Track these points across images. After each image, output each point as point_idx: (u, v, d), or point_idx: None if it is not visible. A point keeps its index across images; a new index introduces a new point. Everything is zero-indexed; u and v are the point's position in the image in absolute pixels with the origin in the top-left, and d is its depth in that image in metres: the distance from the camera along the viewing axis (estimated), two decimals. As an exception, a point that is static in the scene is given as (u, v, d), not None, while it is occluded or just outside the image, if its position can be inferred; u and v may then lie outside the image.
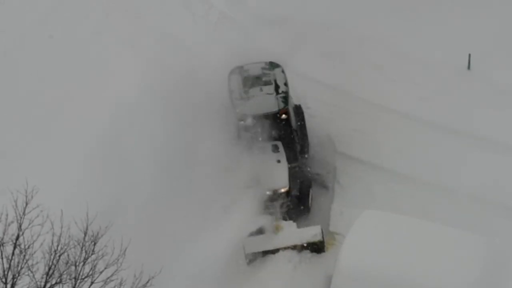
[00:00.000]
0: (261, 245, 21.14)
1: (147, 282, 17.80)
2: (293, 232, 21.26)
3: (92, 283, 17.19)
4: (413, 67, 24.95)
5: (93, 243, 17.37)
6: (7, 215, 17.24)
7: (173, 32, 27.41)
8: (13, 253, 16.85)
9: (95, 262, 17.32)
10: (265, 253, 21.10)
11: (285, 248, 21.05)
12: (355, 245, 18.88)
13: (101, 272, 17.38)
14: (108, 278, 17.41)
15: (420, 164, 22.39)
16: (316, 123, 23.97)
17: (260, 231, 21.42)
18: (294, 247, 21.06)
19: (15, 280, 16.73)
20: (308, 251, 21.08)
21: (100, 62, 25.98)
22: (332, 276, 19.02)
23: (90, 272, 17.21)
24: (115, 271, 17.52)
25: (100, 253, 17.46)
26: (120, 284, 17.38)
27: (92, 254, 17.28)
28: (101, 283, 17.33)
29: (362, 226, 19.23)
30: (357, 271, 18.50)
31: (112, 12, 28.26)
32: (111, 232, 18.35)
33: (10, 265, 16.76)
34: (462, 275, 17.91)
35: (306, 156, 22.98)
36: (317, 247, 21.08)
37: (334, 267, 19.17)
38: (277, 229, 21.20)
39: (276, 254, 21.04)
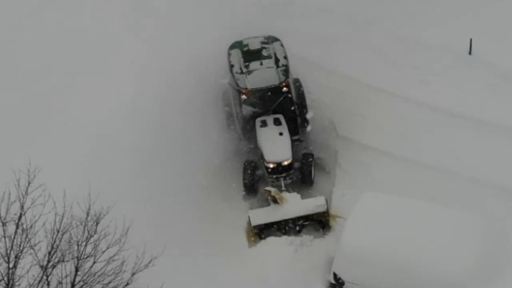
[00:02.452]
0: (266, 217, 21.22)
1: (149, 262, 17.91)
2: (298, 203, 21.36)
3: (94, 262, 17.25)
4: (414, 51, 24.92)
5: (95, 223, 17.43)
6: (9, 194, 17.27)
7: (174, 17, 27.43)
8: (15, 232, 16.89)
9: (98, 242, 17.39)
10: (271, 225, 21.21)
11: (291, 220, 21.20)
12: (356, 227, 19.00)
13: (103, 252, 17.46)
14: (110, 257, 17.49)
15: (420, 147, 22.42)
16: (317, 107, 23.97)
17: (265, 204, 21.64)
18: (299, 219, 21.22)
19: (17, 259, 16.75)
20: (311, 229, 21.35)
21: (99, 52, 26.01)
22: (334, 258, 19.10)
23: (92, 252, 17.26)
24: (117, 251, 17.59)
25: (102, 233, 17.53)
26: (122, 263, 17.42)
27: (94, 233, 17.32)
28: (104, 263, 17.37)
29: (363, 208, 19.35)
30: (358, 252, 18.62)
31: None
32: (113, 212, 18.41)
33: (12, 244, 16.80)
34: (461, 254, 18.01)
35: (306, 128, 23.16)
36: (321, 219, 21.25)
37: (335, 249, 19.26)
38: (281, 201, 21.22)
39: (279, 238, 21.11)
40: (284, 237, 21.05)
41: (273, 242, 20.89)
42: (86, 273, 17.17)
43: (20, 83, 24.80)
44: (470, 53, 24.61)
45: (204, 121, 23.96)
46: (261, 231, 21.23)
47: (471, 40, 24.40)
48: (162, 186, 21.92)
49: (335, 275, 19.06)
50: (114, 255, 17.55)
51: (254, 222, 21.14)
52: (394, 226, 18.71)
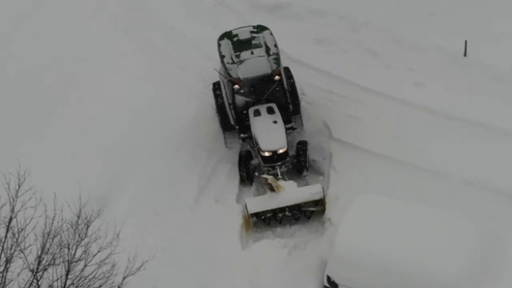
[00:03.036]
0: (263, 205, 21.28)
1: (141, 266, 17.81)
2: (295, 191, 21.40)
3: (85, 266, 17.16)
4: (408, 53, 24.90)
5: (86, 226, 17.33)
6: (-1, 197, 17.20)
7: (169, 19, 27.42)
8: (5, 236, 16.81)
9: (88, 245, 17.30)
10: (267, 213, 21.33)
11: (288, 208, 21.27)
12: (350, 230, 18.87)
13: (94, 255, 17.36)
14: (101, 261, 17.40)
15: (415, 149, 22.33)
16: (312, 110, 23.93)
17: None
18: (296, 207, 21.30)
19: (8, 262, 16.67)
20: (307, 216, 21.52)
21: (97, 52, 26.05)
22: (327, 261, 19.01)
23: (83, 255, 17.17)
24: (108, 255, 17.51)
25: (93, 236, 17.43)
26: (113, 267, 17.33)
27: (85, 237, 17.23)
28: (95, 266, 17.28)
29: (357, 210, 19.24)
30: (352, 255, 18.49)
31: (107, 1, 28.29)
32: (104, 215, 18.38)
33: (2, 247, 16.71)
34: (456, 257, 17.92)
35: (299, 116, 23.31)
36: (318, 207, 21.35)
37: (329, 251, 19.18)
38: (278, 189, 21.25)
39: (272, 240, 21.03)
40: (277, 240, 20.96)
41: (266, 244, 20.79)
42: (77, 276, 17.08)
43: (11, 85, 24.83)
44: (465, 55, 24.55)
45: (200, 122, 23.94)
46: (257, 220, 21.32)
47: (466, 42, 24.33)
48: (154, 189, 21.91)
49: (328, 278, 18.95)
50: (105, 258, 17.48)
51: (251, 210, 21.18)
52: (388, 228, 18.58)
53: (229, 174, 22.51)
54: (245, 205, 21.28)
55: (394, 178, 21.75)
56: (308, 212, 21.51)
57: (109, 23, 27.19)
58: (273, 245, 20.81)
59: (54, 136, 23.13)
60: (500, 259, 18.36)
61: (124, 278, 17.43)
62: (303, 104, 23.87)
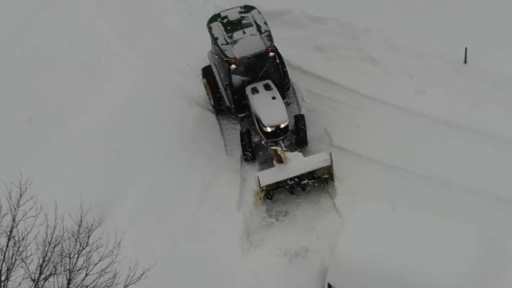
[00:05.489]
0: (274, 177, 21.73)
1: (142, 274, 17.83)
2: (303, 161, 21.93)
3: (86, 275, 17.19)
4: (409, 60, 24.85)
5: (87, 235, 17.36)
6: (0, 206, 17.25)
7: (170, 25, 27.43)
8: (7, 245, 16.86)
9: (90, 254, 17.33)
10: (279, 184, 21.79)
11: (298, 177, 21.75)
12: (351, 238, 18.90)
13: (95, 264, 17.39)
14: (102, 270, 17.42)
15: (415, 156, 22.34)
16: (312, 117, 23.95)
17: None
18: (308, 175, 21.83)
19: (9, 271, 16.69)
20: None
21: (98, 58, 26.04)
22: (328, 269, 19.02)
23: (85, 264, 17.19)
24: (109, 263, 17.52)
25: (94, 245, 17.46)
26: (115, 276, 17.35)
27: (86, 246, 17.26)
28: (96, 275, 17.30)
29: (358, 218, 19.28)
30: (353, 263, 18.52)
31: (108, 7, 28.26)
32: (105, 224, 18.38)
33: (4, 257, 16.76)
34: (456, 265, 17.96)
35: (289, 91, 23.85)
36: (326, 174, 21.91)
37: (330, 259, 19.19)
38: (286, 160, 21.68)
39: (273, 247, 21.03)
40: (278, 247, 20.98)
41: (267, 252, 20.85)
42: (78, 285, 17.14)
43: (11, 93, 24.80)
44: (465, 62, 24.54)
45: (201, 129, 24.04)
46: (268, 192, 21.80)
47: (466, 49, 24.33)
48: (155, 197, 21.96)
49: (329, 285, 18.96)
50: (106, 267, 17.51)
51: (263, 183, 21.57)
52: (389, 236, 18.62)
53: (230, 181, 22.57)
54: (257, 178, 21.60)
55: (394, 185, 21.78)
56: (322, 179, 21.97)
57: (109, 30, 27.17)
58: (274, 252, 20.86)
59: (55, 145, 23.11)
60: (500, 266, 18.39)
61: (125, 287, 17.46)
62: (303, 111, 23.97)
